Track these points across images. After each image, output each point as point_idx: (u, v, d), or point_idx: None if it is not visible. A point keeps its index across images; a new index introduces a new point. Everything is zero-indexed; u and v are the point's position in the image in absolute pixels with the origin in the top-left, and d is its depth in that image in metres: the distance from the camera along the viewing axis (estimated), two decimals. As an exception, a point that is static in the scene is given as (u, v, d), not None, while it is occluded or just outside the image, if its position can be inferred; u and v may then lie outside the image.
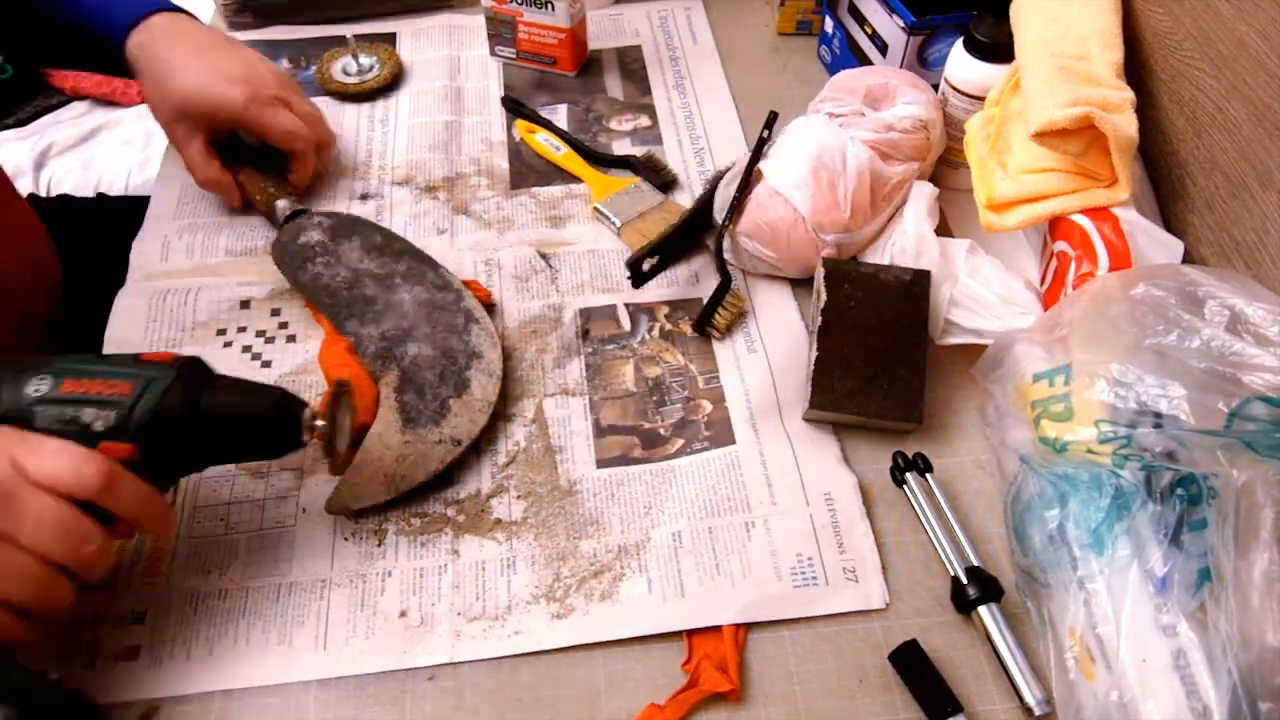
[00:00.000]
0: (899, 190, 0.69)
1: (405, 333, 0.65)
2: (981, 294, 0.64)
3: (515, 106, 0.87)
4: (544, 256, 0.74)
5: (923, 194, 0.69)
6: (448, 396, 0.62)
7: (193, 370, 0.51)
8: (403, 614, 0.55)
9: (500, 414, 0.64)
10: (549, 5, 0.85)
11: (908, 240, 0.67)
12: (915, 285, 0.64)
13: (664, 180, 0.80)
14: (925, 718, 0.51)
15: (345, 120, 0.86)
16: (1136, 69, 0.69)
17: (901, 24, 0.76)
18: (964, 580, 0.54)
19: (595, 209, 0.77)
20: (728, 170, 0.73)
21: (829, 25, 0.88)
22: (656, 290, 0.71)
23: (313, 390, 0.65)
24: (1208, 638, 0.46)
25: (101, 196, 1.08)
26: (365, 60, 0.89)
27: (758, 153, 0.71)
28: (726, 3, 0.98)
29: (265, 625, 0.55)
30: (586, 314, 0.70)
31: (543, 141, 0.83)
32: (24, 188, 1.28)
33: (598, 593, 0.56)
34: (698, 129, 0.85)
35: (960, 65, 0.72)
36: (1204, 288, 0.52)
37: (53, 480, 0.46)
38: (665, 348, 0.68)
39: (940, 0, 0.75)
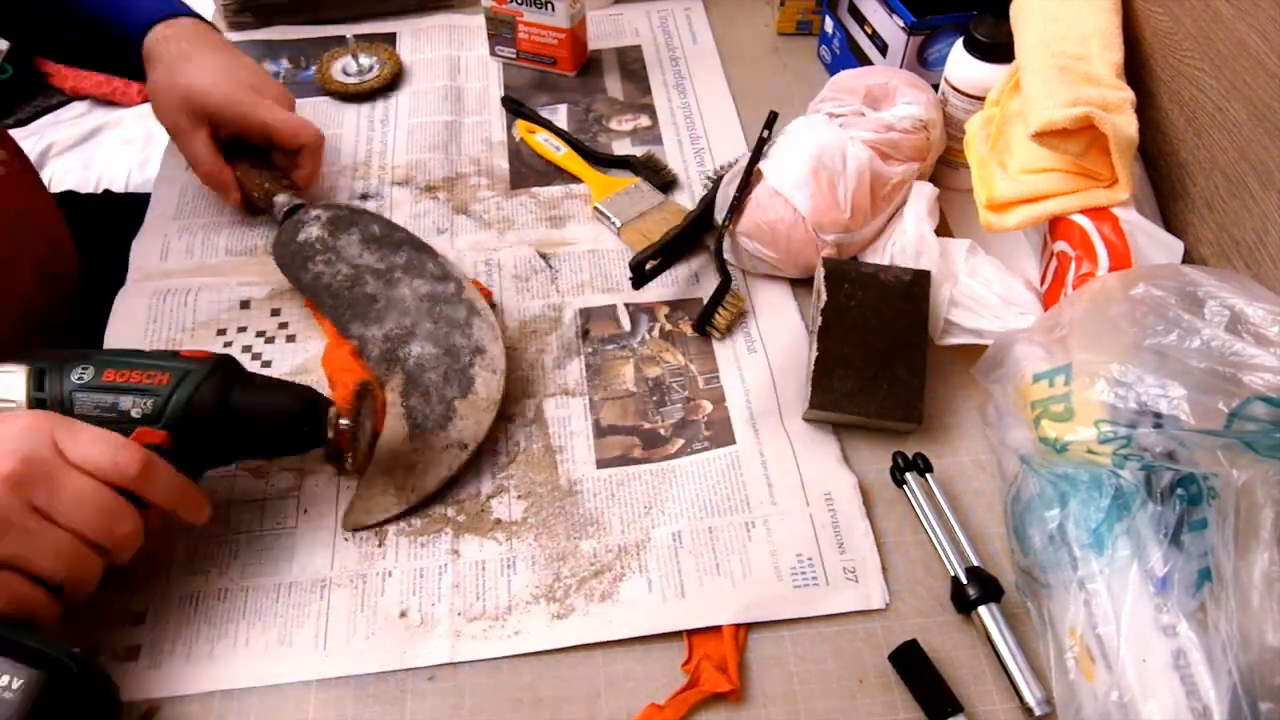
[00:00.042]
0: (899, 190, 0.69)
1: (408, 331, 0.65)
2: (981, 294, 0.64)
3: (515, 106, 0.87)
4: (544, 256, 0.74)
5: (923, 194, 0.69)
6: (453, 398, 0.63)
7: (226, 367, 0.54)
8: (403, 614, 0.55)
9: (501, 414, 0.64)
10: (549, 5, 0.85)
11: (908, 240, 0.67)
12: (915, 285, 0.64)
13: (664, 180, 0.80)
14: (925, 718, 0.51)
15: (345, 120, 0.86)
16: (1136, 69, 0.69)
17: (901, 24, 0.76)
18: (964, 580, 0.54)
19: (595, 209, 0.77)
20: (728, 169, 0.73)
21: (829, 25, 0.88)
22: (656, 290, 0.71)
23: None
24: (1208, 638, 0.46)
25: (107, 193, 1.08)
26: (365, 60, 0.89)
27: (758, 153, 0.71)
28: (726, 3, 0.98)
29: (265, 625, 0.55)
30: (586, 314, 0.70)
31: (543, 141, 0.83)
32: (24, 187, 1.28)
33: (598, 593, 0.56)
34: (698, 129, 0.85)
35: (960, 65, 0.72)
36: (1204, 288, 0.52)
37: (93, 463, 0.48)
38: (665, 348, 0.68)
39: (940, 0, 0.75)
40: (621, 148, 0.84)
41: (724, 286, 0.68)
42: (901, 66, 0.78)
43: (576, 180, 0.80)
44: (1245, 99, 0.60)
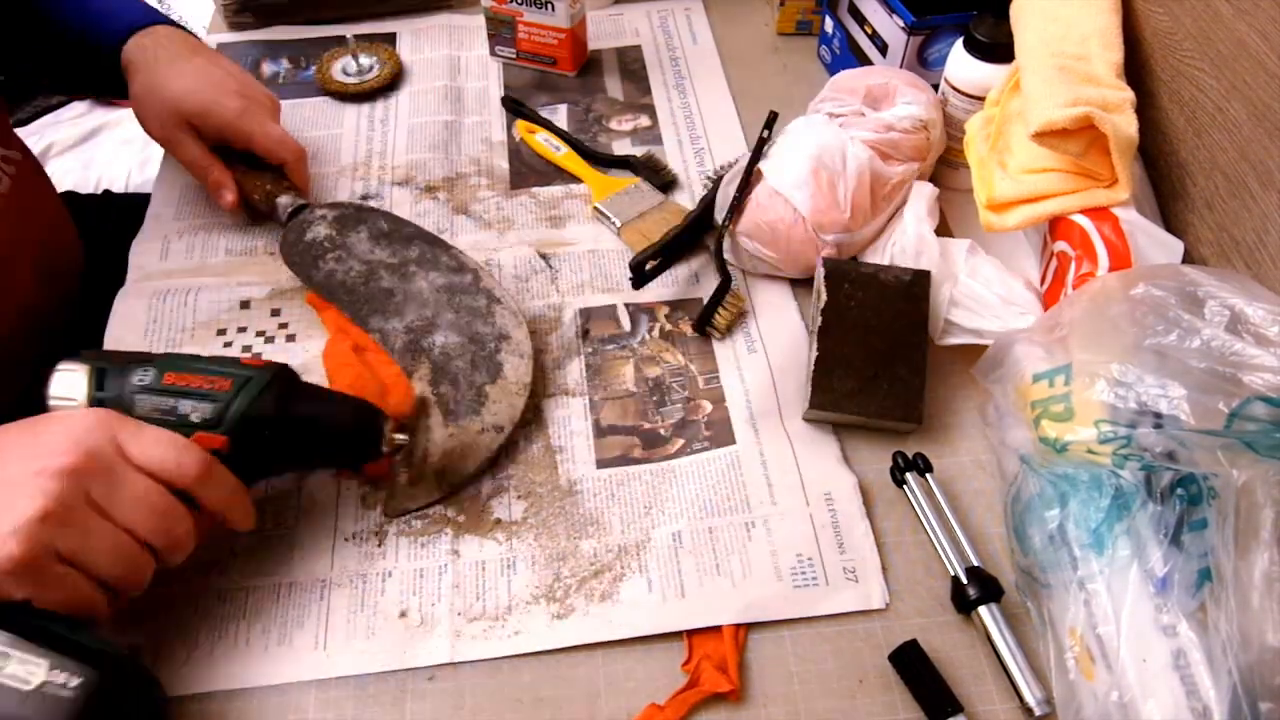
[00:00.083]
0: (899, 190, 0.69)
1: (429, 322, 0.66)
2: (981, 294, 0.64)
3: (515, 106, 0.87)
4: (544, 256, 0.74)
5: (923, 194, 0.69)
6: (483, 383, 0.63)
7: (286, 376, 0.55)
8: (403, 614, 0.55)
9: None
10: (549, 5, 0.85)
11: (908, 240, 0.67)
12: (915, 285, 0.64)
13: (664, 180, 0.80)
14: (925, 718, 0.51)
15: (345, 120, 0.86)
16: (1136, 69, 0.69)
17: (901, 24, 0.76)
18: (964, 580, 0.54)
19: (595, 209, 0.77)
20: (728, 169, 0.73)
21: (829, 25, 0.88)
22: (656, 290, 0.71)
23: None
24: (1208, 638, 0.46)
25: (106, 193, 1.08)
26: (365, 60, 0.89)
27: (758, 153, 0.71)
28: (726, 3, 0.98)
29: (265, 625, 0.55)
30: (586, 314, 0.70)
31: (543, 141, 0.83)
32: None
33: (598, 593, 0.56)
34: (698, 129, 0.85)
35: (960, 65, 0.72)
36: (1204, 288, 0.52)
37: (155, 465, 0.48)
38: (665, 348, 0.68)
39: (940, 0, 0.75)
40: (621, 148, 0.84)
41: (724, 286, 0.68)
42: (901, 66, 0.78)
43: (576, 180, 0.80)
44: (1245, 99, 0.60)
